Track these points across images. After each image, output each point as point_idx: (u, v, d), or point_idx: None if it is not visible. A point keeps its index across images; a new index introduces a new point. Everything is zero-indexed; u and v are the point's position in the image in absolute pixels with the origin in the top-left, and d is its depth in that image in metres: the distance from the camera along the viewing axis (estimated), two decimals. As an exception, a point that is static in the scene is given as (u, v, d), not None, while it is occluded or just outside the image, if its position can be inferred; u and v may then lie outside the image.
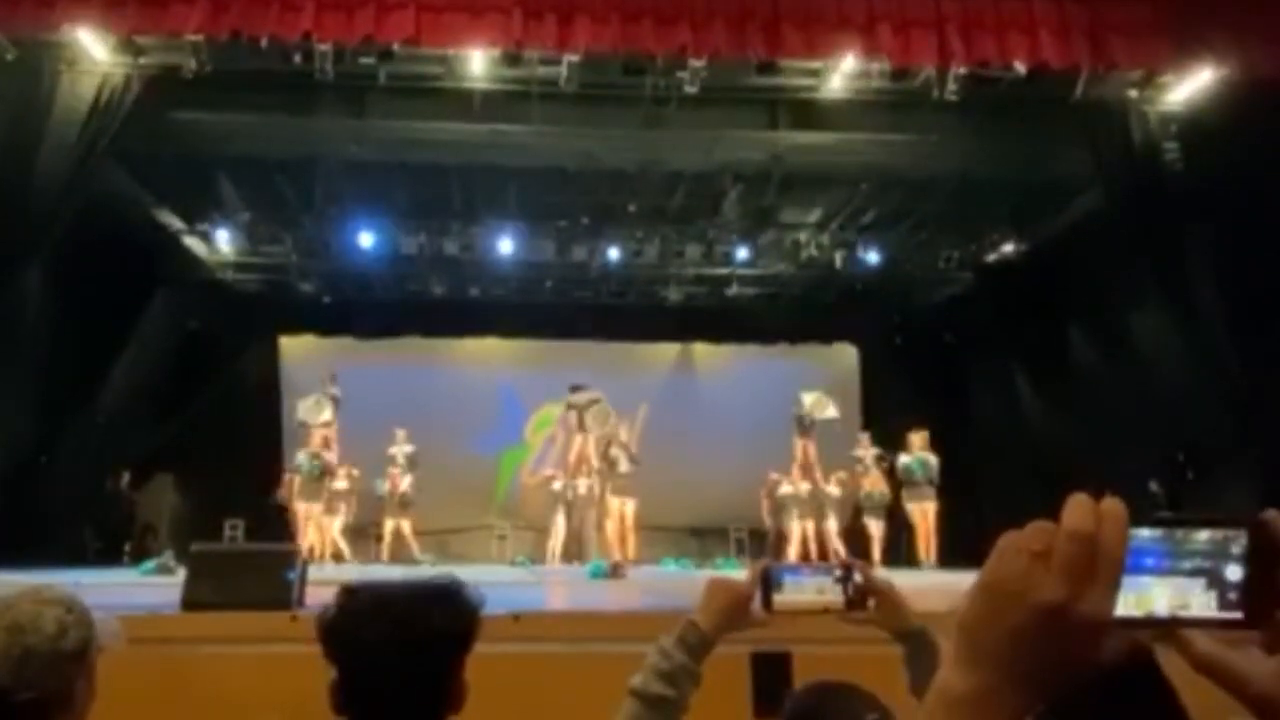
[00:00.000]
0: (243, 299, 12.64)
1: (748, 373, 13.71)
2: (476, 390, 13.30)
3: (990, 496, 11.38)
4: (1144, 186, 7.85)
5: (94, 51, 7.23)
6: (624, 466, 10.23)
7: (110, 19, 6.61)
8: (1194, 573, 0.54)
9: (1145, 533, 0.53)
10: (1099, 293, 9.61)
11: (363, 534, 11.43)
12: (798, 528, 10.89)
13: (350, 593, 1.43)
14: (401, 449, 11.21)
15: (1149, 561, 0.53)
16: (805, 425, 11.21)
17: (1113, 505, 0.52)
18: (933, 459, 10.24)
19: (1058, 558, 0.50)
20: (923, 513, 10.16)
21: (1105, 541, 0.51)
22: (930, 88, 7.56)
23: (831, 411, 11.25)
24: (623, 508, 10.06)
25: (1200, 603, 0.54)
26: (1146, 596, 0.53)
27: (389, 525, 11.00)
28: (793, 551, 10.75)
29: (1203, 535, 0.54)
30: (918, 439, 10.42)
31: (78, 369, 10.08)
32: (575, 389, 11.13)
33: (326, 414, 10.82)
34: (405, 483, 11.11)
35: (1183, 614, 0.54)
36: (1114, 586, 0.51)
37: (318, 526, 10.14)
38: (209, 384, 12.02)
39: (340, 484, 10.71)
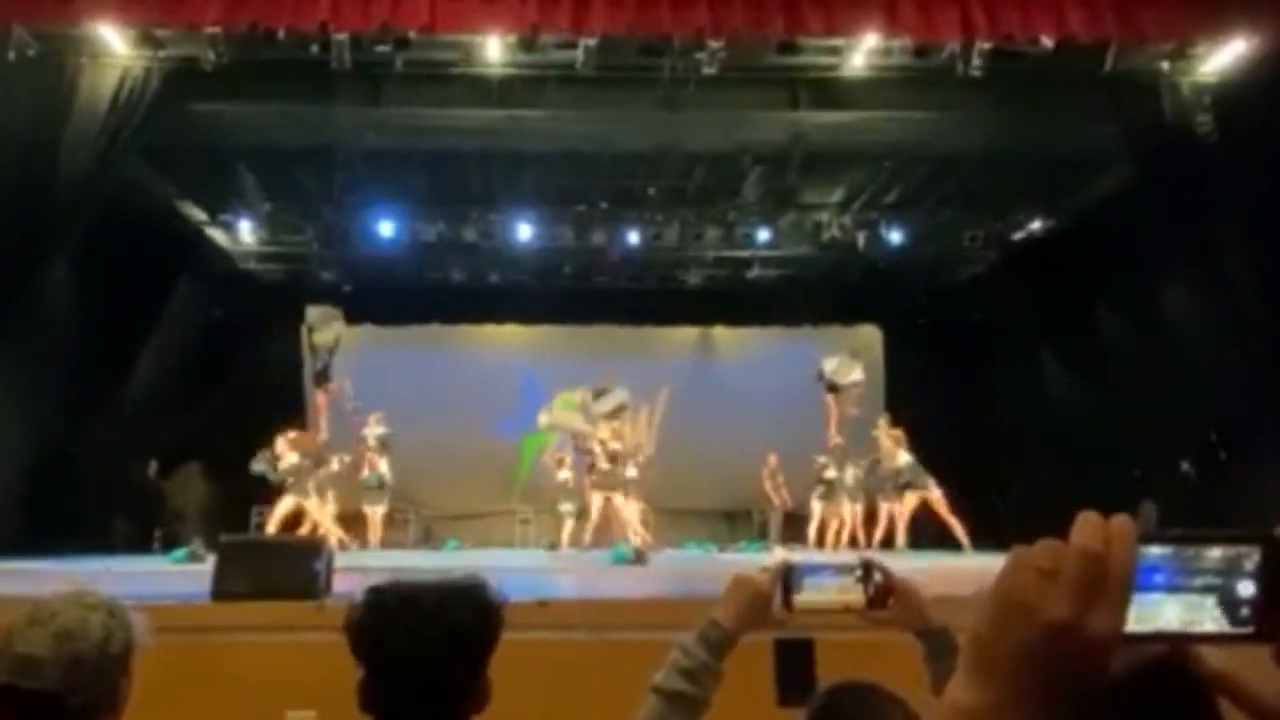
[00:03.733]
0: (265, 288, 12.75)
1: (769, 355, 13.65)
2: (497, 376, 13.36)
3: (1017, 478, 11.28)
4: (1175, 159, 7.68)
5: (114, 45, 7.28)
6: (631, 472, 10.28)
7: (130, 13, 6.65)
8: (1205, 589, 0.54)
9: (1155, 550, 0.54)
10: (1128, 270, 9.44)
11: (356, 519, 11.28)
12: (845, 511, 10.89)
13: (376, 593, 1.44)
14: (374, 431, 11.03)
15: (1159, 578, 0.54)
16: (834, 389, 11.29)
17: (1121, 523, 0.52)
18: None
19: (1066, 576, 0.51)
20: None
21: (1114, 560, 0.51)
22: (954, 64, 7.42)
23: (856, 375, 11.33)
24: (626, 507, 10.12)
25: (1212, 619, 0.54)
26: (1156, 613, 0.54)
27: (367, 511, 10.80)
28: (830, 534, 10.80)
29: (1214, 552, 0.54)
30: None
31: (104, 360, 10.23)
32: (599, 393, 11.16)
33: (334, 332, 10.77)
34: (382, 466, 10.95)
35: (1192, 630, 0.54)
36: (1123, 604, 0.51)
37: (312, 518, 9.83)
38: (233, 372, 12.16)
39: (333, 468, 10.51)
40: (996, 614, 0.53)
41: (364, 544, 10.34)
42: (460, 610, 1.39)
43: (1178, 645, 0.55)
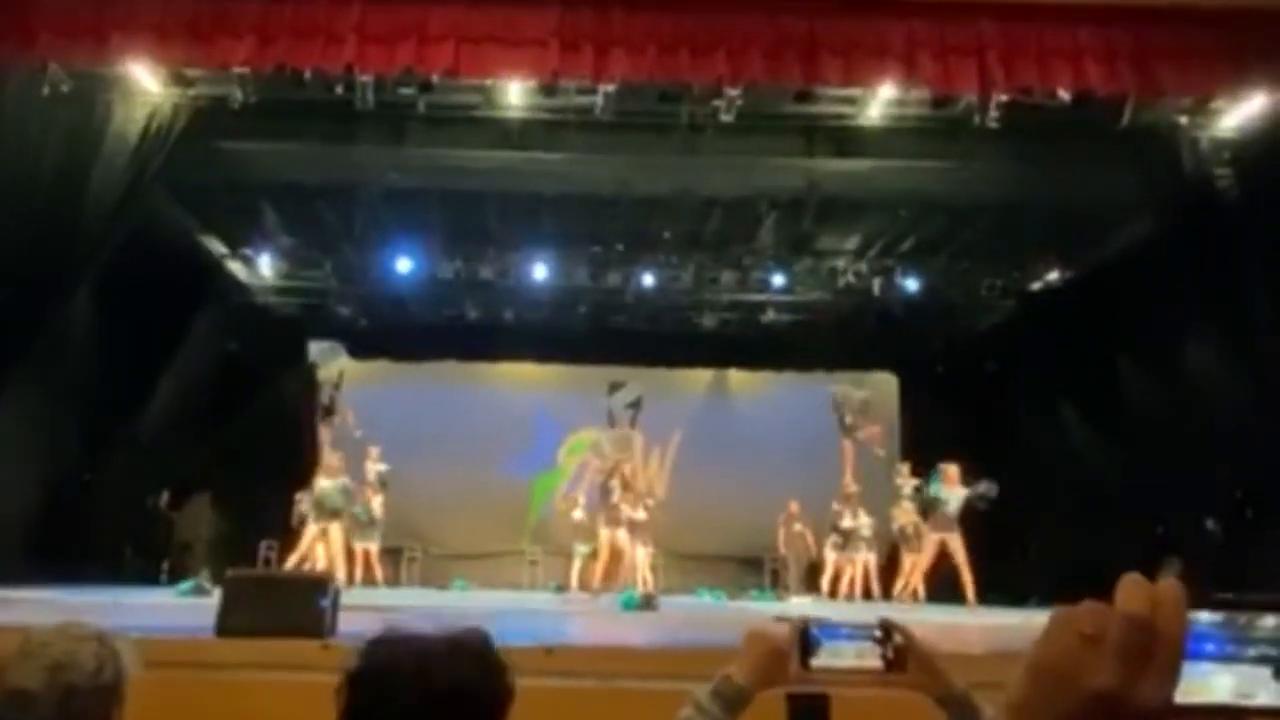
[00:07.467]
0: (281, 322, 12.87)
1: (783, 399, 13.60)
2: (510, 414, 13.36)
3: (1036, 533, 11.09)
4: (1196, 213, 7.67)
5: (145, 83, 7.46)
6: (640, 514, 10.18)
7: (161, 52, 6.79)
8: (1259, 660, 0.51)
9: (1206, 616, 0.51)
10: (1149, 322, 9.36)
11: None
12: (860, 561, 10.74)
13: (373, 648, 1.35)
14: (374, 467, 10.92)
15: (1210, 647, 0.51)
16: (846, 425, 11.51)
17: (1170, 588, 0.49)
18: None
19: (1112, 642, 0.48)
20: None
21: (1163, 626, 0.48)
22: (971, 114, 7.47)
23: (861, 393, 11.80)
24: (633, 549, 9.99)
25: (1267, 691, 0.51)
26: (1207, 684, 0.51)
27: (358, 548, 10.57)
28: (844, 584, 10.67)
29: (1269, 620, 0.52)
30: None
31: (121, 389, 10.30)
32: (615, 387, 11.22)
33: (338, 367, 10.79)
34: (376, 504, 10.82)
35: (1246, 703, 0.51)
36: (1173, 674, 0.48)
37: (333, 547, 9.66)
38: (248, 405, 12.21)
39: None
40: (1037, 681, 0.50)
41: (351, 581, 10.16)
42: (465, 668, 1.32)
43: (1230, 719, 0.52)
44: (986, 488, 9.59)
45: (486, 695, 1.33)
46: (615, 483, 10.23)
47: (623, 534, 9.97)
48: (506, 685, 1.35)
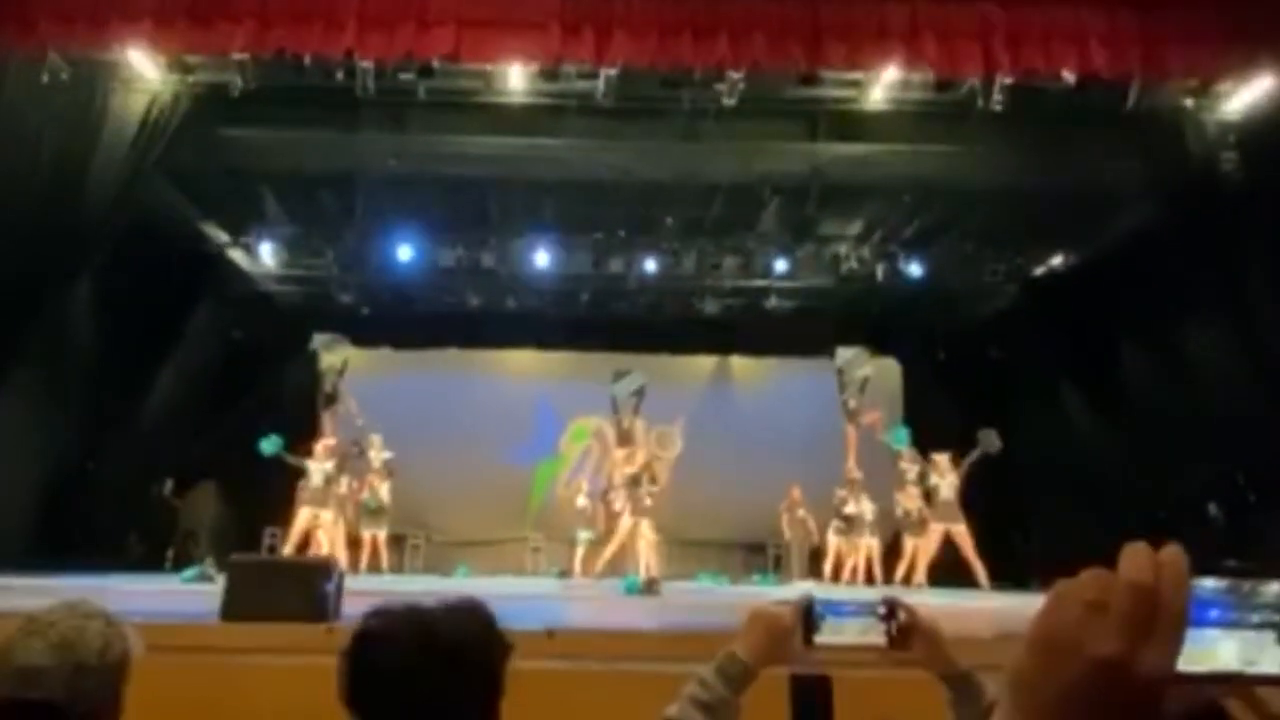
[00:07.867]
0: (284, 310, 12.86)
1: (786, 385, 13.59)
2: (512, 402, 13.36)
3: (1038, 518, 11.10)
4: (1200, 197, 7.63)
5: (145, 70, 7.43)
6: (646, 502, 10.20)
7: (161, 39, 6.77)
8: (1263, 626, 0.50)
9: (1209, 583, 0.50)
10: (1152, 307, 9.33)
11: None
12: (863, 546, 10.76)
13: (365, 632, 1.34)
14: (379, 455, 10.96)
15: (1214, 614, 0.50)
16: (850, 409, 11.45)
17: (1173, 554, 0.49)
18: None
19: (1115, 610, 0.48)
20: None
21: (1166, 593, 0.48)
22: (975, 98, 7.42)
23: (866, 370, 11.62)
24: (637, 527, 10.00)
25: (1271, 658, 0.50)
26: (1212, 651, 0.50)
27: (366, 534, 10.68)
28: (846, 570, 10.69)
29: (1273, 587, 0.51)
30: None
31: (125, 378, 10.31)
32: (619, 376, 11.24)
33: (341, 355, 10.76)
34: (384, 490, 10.89)
35: (1251, 670, 0.50)
36: (1176, 641, 0.48)
37: (326, 534, 9.64)
38: (250, 393, 12.22)
39: (341, 490, 10.20)
40: (1041, 651, 0.49)
41: (358, 568, 10.17)
42: (463, 627, 1.33)
43: (1235, 686, 0.51)
44: (988, 442, 9.57)
45: (486, 650, 1.33)
46: (646, 477, 10.25)
47: (646, 525, 10.00)
48: (504, 640, 1.35)
